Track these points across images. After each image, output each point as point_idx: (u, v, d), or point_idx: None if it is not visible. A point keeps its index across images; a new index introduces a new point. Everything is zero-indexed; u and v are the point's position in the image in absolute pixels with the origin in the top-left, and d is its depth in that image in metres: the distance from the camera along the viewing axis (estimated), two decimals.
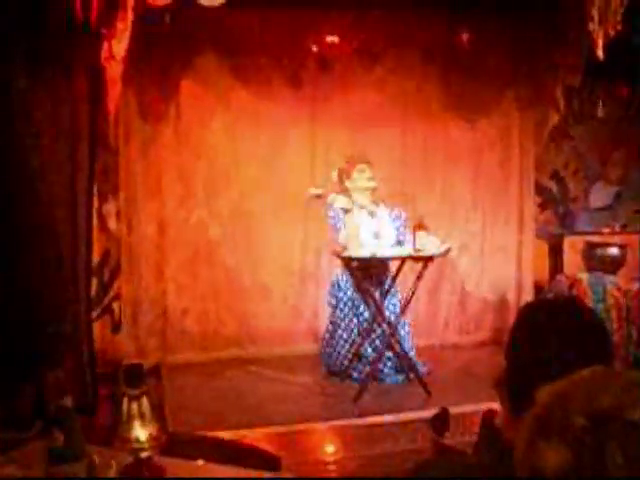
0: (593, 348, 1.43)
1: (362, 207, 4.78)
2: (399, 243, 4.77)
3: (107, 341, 5.24)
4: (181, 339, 5.31)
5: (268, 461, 2.20)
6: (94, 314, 5.11)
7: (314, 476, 3.54)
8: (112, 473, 1.87)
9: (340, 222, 4.71)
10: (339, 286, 4.85)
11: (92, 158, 4.54)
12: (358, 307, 4.75)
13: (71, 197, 4.38)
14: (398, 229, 4.81)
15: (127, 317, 5.20)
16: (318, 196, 4.80)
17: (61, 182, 4.35)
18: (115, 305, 5.31)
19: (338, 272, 4.91)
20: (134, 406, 1.96)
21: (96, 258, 5.11)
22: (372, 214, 4.80)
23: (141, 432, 1.95)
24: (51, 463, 1.73)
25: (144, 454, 1.96)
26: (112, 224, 5.24)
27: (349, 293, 4.79)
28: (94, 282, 5.14)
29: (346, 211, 4.73)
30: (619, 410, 0.74)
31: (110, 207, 5.23)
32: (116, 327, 5.29)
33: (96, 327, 5.12)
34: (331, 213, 4.77)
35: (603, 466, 0.72)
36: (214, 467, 2.14)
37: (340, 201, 4.76)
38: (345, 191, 4.81)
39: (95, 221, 5.02)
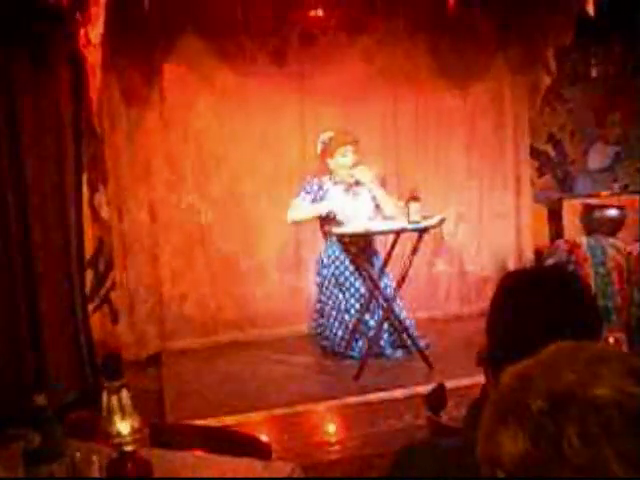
0: (578, 318, 1.37)
1: (339, 183, 4.73)
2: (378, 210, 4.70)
3: (107, 332, 5.21)
4: (180, 325, 5.26)
5: (259, 448, 2.14)
6: (92, 305, 5.09)
7: (317, 458, 3.51)
8: (95, 470, 1.82)
9: (303, 193, 4.71)
10: (323, 263, 4.79)
11: (78, 148, 4.50)
12: (343, 284, 4.70)
13: (59, 188, 4.34)
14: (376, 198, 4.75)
15: (124, 306, 5.15)
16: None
17: (48, 173, 4.30)
18: (113, 295, 5.26)
19: (322, 250, 4.84)
20: (114, 399, 1.91)
21: (91, 249, 5.07)
22: (351, 191, 4.74)
23: (122, 425, 1.90)
24: (27, 464, 1.68)
25: (128, 448, 1.91)
26: (104, 213, 5.18)
27: (332, 269, 4.73)
28: (90, 273, 5.11)
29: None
30: (579, 388, 0.67)
31: (101, 196, 5.17)
32: (115, 317, 5.25)
33: (96, 318, 5.10)
34: (303, 184, 4.75)
35: (560, 451, 0.65)
36: (203, 457, 2.09)
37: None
38: (326, 167, 4.76)
39: (87, 211, 4.97)
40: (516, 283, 1.45)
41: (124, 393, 1.91)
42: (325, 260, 4.78)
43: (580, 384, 0.68)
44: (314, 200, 4.69)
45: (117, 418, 1.91)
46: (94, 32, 4.04)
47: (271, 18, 5.11)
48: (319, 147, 4.75)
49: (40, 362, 4.21)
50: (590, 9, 4.15)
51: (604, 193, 5.82)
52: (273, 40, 5.24)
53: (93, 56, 4.17)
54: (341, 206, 4.65)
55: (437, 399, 2.44)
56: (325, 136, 4.73)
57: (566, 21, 5.04)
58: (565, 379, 0.69)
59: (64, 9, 3.95)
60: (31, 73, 4.19)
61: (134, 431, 1.92)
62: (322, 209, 4.65)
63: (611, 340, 2.20)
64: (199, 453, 2.10)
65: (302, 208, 4.69)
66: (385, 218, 4.67)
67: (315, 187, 4.71)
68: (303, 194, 4.71)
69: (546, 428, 0.66)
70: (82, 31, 4.07)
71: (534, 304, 1.37)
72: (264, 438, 3.43)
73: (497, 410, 0.73)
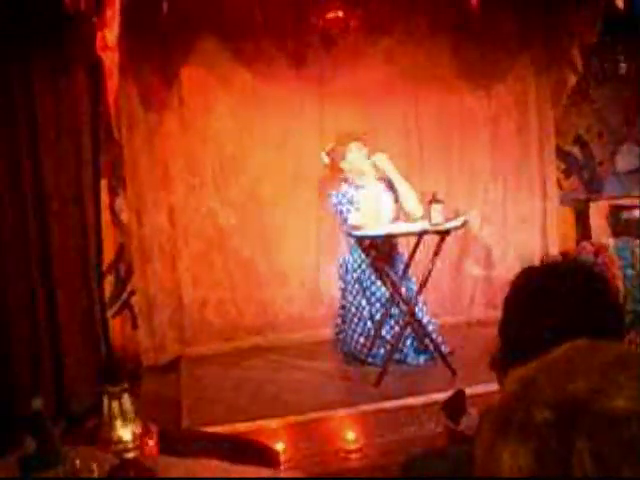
0: (597, 318, 1.26)
1: (359, 187, 4.62)
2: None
3: (128, 337, 5.18)
4: (200, 331, 5.20)
5: (268, 457, 2.07)
6: (112, 311, 5.06)
7: (335, 466, 3.43)
8: (94, 478, 1.76)
9: (346, 205, 4.56)
10: (347, 268, 4.69)
11: (96, 152, 4.48)
12: (368, 288, 4.60)
13: (78, 192, 4.32)
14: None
15: (143, 311, 5.10)
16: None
17: (67, 177, 4.29)
18: (133, 300, 5.23)
19: (345, 253, 4.75)
20: (115, 404, 1.85)
21: (111, 254, 5.05)
22: (372, 190, 4.65)
23: (123, 431, 1.85)
24: (23, 472, 1.63)
25: (129, 455, 1.85)
26: (125, 218, 5.15)
27: (356, 274, 4.63)
28: (111, 278, 5.09)
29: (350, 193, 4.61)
30: (591, 398, 0.57)
31: (122, 201, 5.14)
32: (136, 323, 5.21)
33: (116, 324, 5.08)
34: (334, 200, 4.62)
35: (567, 470, 0.55)
36: (210, 465, 2.02)
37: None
38: (340, 173, 4.67)
39: (108, 217, 4.95)
40: (529, 279, 1.35)
41: (125, 398, 1.86)
42: (349, 265, 4.68)
43: (594, 392, 0.58)
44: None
45: (118, 424, 1.85)
46: (110, 35, 4.03)
47: (290, 19, 5.07)
48: (325, 160, 4.69)
49: (58, 367, 4.19)
50: (619, 3, 4.01)
51: (634, 193, 5.66)
52: (292, 42, 5.18)
53: (110, 59, 4.15)
54: (370, 209, 4.56)
55: (456, 406, 2.35)
56: (328, 148, 4.69)
57: (592, 17, 4.92)
58: (576, 386, 0.59)
59: (81, 12, 3.93)
60: (49, 77, 4.19)
61: (135, 437, 1.86)
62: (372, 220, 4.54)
63: None
64: (206, 461, 2.03)
65: (364, 214, 4.55)
66: (407, 216, 4.58)
67: (345, 198, 4.60)
68: (347, 203, 4.57)
69: (552, 443, 0.57)
70: (99, 34, 4.05)
71: (547, 301, 1.27)
72: (281, 445, 3.37)
73: (497, 420, 0.63)
